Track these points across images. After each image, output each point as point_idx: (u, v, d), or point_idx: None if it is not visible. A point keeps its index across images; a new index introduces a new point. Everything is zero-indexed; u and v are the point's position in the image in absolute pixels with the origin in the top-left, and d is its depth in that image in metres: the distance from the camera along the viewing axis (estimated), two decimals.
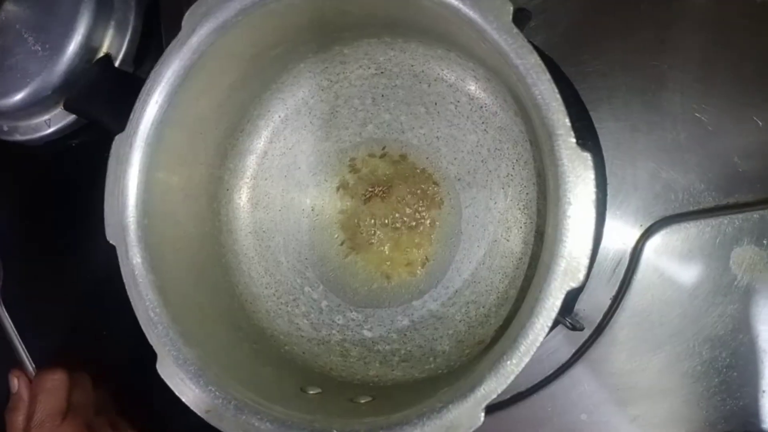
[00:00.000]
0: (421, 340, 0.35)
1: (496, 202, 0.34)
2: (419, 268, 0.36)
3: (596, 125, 0.36)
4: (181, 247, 0.33)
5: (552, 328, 0.24)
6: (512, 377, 0.24)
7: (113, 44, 0.43)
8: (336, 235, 0.37)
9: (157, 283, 0.30)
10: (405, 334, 0.35)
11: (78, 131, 0.45)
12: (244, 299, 0.37)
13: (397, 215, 0.36)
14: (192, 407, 0.28)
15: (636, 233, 0.35)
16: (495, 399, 0.24)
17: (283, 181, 0.38)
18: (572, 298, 0.35)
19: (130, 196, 0.30)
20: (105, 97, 0.41)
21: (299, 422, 0.27)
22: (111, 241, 0.31)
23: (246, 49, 0.32)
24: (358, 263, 0.37)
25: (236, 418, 0.27)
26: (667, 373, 0.35)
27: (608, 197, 0.36)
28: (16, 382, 0.39)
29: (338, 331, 0.36)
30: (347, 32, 0.35)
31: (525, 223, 0.34)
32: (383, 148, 0.36)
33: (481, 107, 0.34)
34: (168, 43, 0.30)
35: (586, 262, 0.23)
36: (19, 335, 0.41)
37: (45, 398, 0.38)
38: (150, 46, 0.45)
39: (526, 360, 0.24)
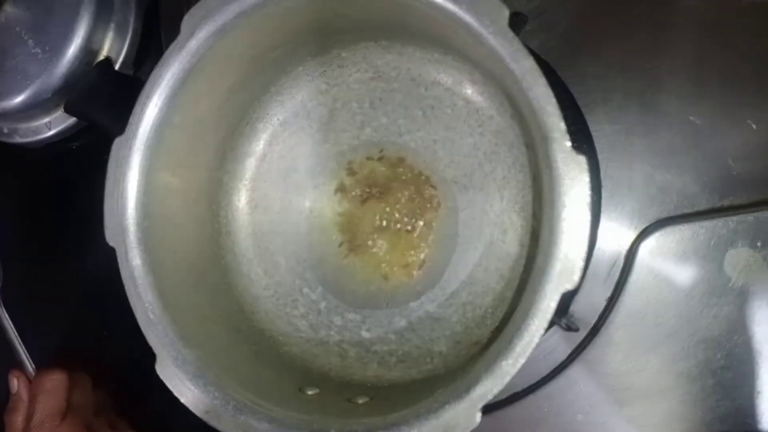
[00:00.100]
0: (418, 341, 0.35)
1: (492, 205, 0.34)
2: (416, 269, 0.36)
3: (591, 128, 0.36)
4: (181, 249, 0.33)
5: (547, 330, 0.25)
6: (508, 378, 0.24)
7: (113, 46, 0.44)
8: (334, 237, 0.37)
9: (156, 284, 0.30)
10: (402, 335, 0.35)
11: (78, 134, 0.45)
12: (244, 300, 0.37)
13: (394, 217, 0.36)
14: (191, 408, 0.28)
15: (631, 235, 0.36)
16: (491, 399, 0.24)
17: (282, 184, 0.38)
18: (567, 299, 0.36)
19: (130, 198, 0.30)
20: (105, 100, 0.41)
21: (297, 422, 0.27)
22: (110, 243, 0.31)
23: (245, 51, 0.32)
24: (357, 265, 0.37)
25: (235, 418, 0.28)
26: (663, 373, 0.35)
27: (603, 199, 0.36)
28: (15, 383, 0.39)
29: (336, 332, 0.36)
30: (345, 35, 0.35)
31: (521, 225, 0.34)
32: (381, 151, 0.37)
33: (478, 111, 0.35)
34: (168, 46, 0.30)
35: (580, 264, 0.24)
36: (19, 336, 0.41)
37: (44, 399, 0.38)
38: (150, 48, 0.45)
39: (522, 361, 0.24)
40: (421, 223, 0.36)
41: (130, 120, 0.31)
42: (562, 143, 0.24)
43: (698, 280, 0.35)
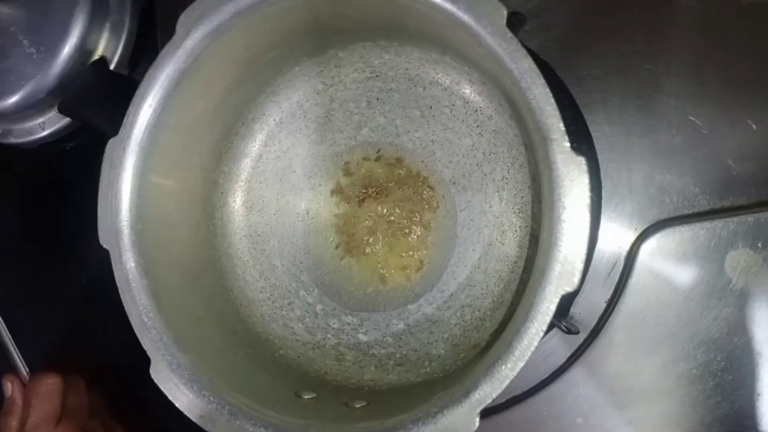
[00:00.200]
0: (416, 344, 0.35)
1: (491, 206, 0.34)
2: (414, 271, 0.36)
3: (591, 129, 0.36)
4: (175, 251, 0.33)
5: (547, 332, 0.24)
6: (507, 382, 0.24)
7: (108, 47, 0.43)
8: (331, 239, 0.37)
9: (150, 287, 0.30)
10: (400, 338, 0.35)
11: (73, 134, 0.45)
12: (239, 303, 0.37)
13: (392, 219, 0.36)
14: (186, 412, 0.28)
15: (631, 236, 0.35)
16: (490, 403, 0.24)
17: (278, 185, 0.38)
18: (567, 301, 0.35)
19: (124, 200, 0.30)
20: (99, 100, 0.41)
21: (294, 427, 0.27)
22: (104, 246, 0.30)
23: (241, 52, 0.32)
24: (354, 267, 0.36)
25: (230, 423, 0.27)
26: (663, 375, 0.35)
27: (603, 201, 0.36)
28: (9, 387, 0.39)
29: (333, 335, 0.36)
30: (342, 35, 0.35)
31: (520, 226, 0.34)
32: (378, 152, 0.36)
33: (476, 111, 0.35)
34: (163, 46, 0.30)
35: (580, 266, 0.23)
36: (13, 339, 0.41)
37: (39, 402, 0.38)
38: (145, 49, 0.45)
39: (521, 364, 0.24)
40: (419, 224, 0.36)
41: (125, 121, 0.30)
42: (561, 144, 0.24)
43: (698, 282, 0.35)
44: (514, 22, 0.25)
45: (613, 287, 0.36)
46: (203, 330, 0.32)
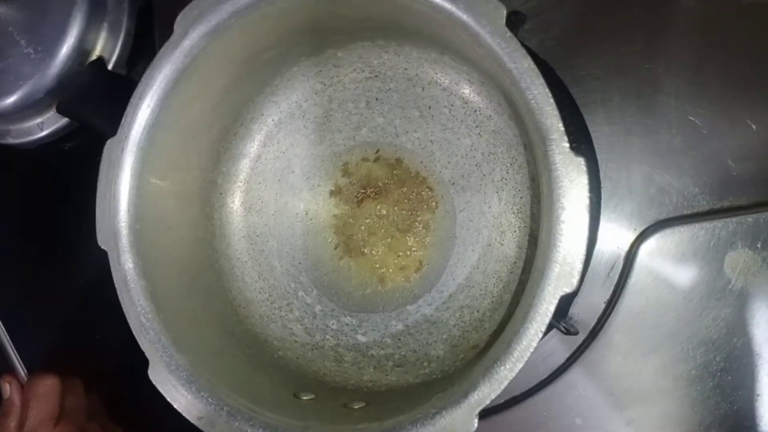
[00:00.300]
0: (415, 345, 0.35)
1: (490, 206, 0.34)
2: (413, 272, 0.35)
3: (590, 129, 0.36)
4: (174, 252, 0.33)
5: (546, 333, 0.24)
6: (506, 383, 0.24)
7: (106, 46, 0.43)
8: (330, 239, 0.37)
9: (148, 288, 0.30)
10: (399, 339, 0.35)
11: (71, 134, 0.45)
12: (237, 304, 0.36)
13: (391, 219, 0.36)
14: (184, 414, 0.28)
15: (630, 237, 0.35)
16: (489, 404, 0.24)
17: (277, 185, 0.38)
18: (566, 302, 0.35)
19: (122, 200, 0.30)
20: (98, 100, 0.41)
21: (292, 428, 0.27)
22: (102, 246, 0.30)
23: (239, 52, 0.32)
24: (352, 267, 0.36)
25: (229, 424, 0.27)
26: (662, 376, 0.35)
27: (602, 201, 0.36)
28: (7, 388, 0.39)
29: (332, 336, 0.36)
30: (341, 35, 0.35)
31: (519, 227, 0.33)
32: (377, 152, 0.36)
33: (475, 111, 0.34)
34: (161, 46, 0.30)
35: (579, 267, 0.23)
36: (11, 340, 0.41)
37: (37, 404, 0.37)
38: (143, 48, 0.45)
39: (520, 365, 0.24)
40: (418, 224, 0.36)
41: (123, 121, 0.30)
42: (560, 144, 0.24)
43: (698, 282, 0.34)
44: (514, 22, 0.25)
45: (612, 288, 0.36)
46: (202, 331, 0.32)
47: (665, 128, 0.35)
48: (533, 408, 0.37)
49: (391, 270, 0.36)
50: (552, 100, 0.24)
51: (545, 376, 0.36)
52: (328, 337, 0.36)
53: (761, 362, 0.34)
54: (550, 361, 0.36)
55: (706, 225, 0.34)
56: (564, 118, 0.24)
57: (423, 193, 0.36)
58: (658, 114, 0.35)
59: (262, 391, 0.31)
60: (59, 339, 0.46)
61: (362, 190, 0.36)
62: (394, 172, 0.36)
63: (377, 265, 0.36)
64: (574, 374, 0.36)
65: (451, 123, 0.35)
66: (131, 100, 0.30)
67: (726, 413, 0.34)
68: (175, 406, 0.28)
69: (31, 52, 0.41)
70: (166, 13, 0.45)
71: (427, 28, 0.30)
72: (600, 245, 0.36)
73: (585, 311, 0.36)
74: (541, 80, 0.24)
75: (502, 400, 0.37)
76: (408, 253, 0.36)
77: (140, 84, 0.30)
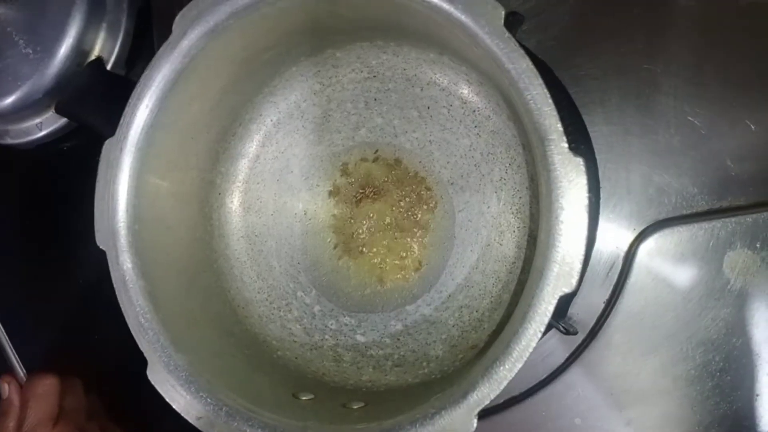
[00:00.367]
0: (414, 345, 0.35)
1: (489, 206, 0.34)
2: (412, 272, 0.35)
3: (589, 129, 0.36)
4: (172, 252, 0.33)
5: (545, 333, 0.24)
6: (505, 383, 0.24)
7: (105, 47, 0.43)
8: (329, 240, 0.37)
9: (147, 288, 0.30)
10: (398, 339, 0.35)
11: (70, 134, 0.45)
12: (236, 304, 0.36)
13: (390, 220, 0.36)
14: (183, 414, 0.28)
15: (629, 237, 0.35)
16: (488, 404, 0.24)
17: (276, 185, 0.38)
18: (565, 302, 0.35)
19: (121, 201, 0.30)
20: (96, 100, 0.41)
21: (291, 428, 0.27)
22: (101, 247, 0.30)
23: (237, 52, 0.32)
24: (351, 268, 0.36)
25: (228, 424, 0.27)
26: (661, 376, 0.35)
27: (601, 201, 0.36)
28: (6, 388, 0.39)
29: (331, 336, 0.36)
30: (340, 36, 0.35)
31: (518, 227, 0.33)
32: (376, 152, 0.36)
33: (474, 111, 0.34)
34: (160, 46, 0.30)
35: (578, 267, 0.23)
36: (10, 340, 0.41)
37: (36, 404, 0.37)
38: (142, 49, 0.45)
39: (519, 365, 0.24)
40: (417, 225, 0.36)
41: (121, 121, 0.30)
42: (559, 144, 0.24)
43: (697, 282, 0.34)
44: (512, 22, 0.25)
45: (611, 288, 0.35)
46: (200, 331, 0.32)
47: (664, 128, 0.35)
48: (532, 408, 0.37)
49: (390, 270, 0.36)
50: (550, 101, 0.24)
51: (544, 376, 0.36)
52: (327, 337, 0.36)
53: (760, 362, 0.34)
54: (550, 361, 0.36)
55: (705, 225, 0.34)
56: (563, 119, 0.24)
57: (422, 193, 0.36)
58: (657, 114, 0.35)
59: (261, 391, 0.31)
60: (58, 339, 0.46)
61: (361, 190, 0.36)
62: (393, 172, 0.36)
63: (376, 265, 0.36)
64: (574, 374, 0.36)
65: (449, 123, 0.35)
66: (130, 100, 0.30)
67: (725, 413, 0.34)
68: (173, 407, 0.28)
69: (30, 52, 0.41)
70: (165, 13, 0.45)
71: (426, 28, 0.30)
72: (599, 245, 0.36)
73: (584, 311, 0.36)
74: (540, 80, 0.24)
75: (502, 400, 0.37)
76: (407, 253, 0.36)
77: (139, 84, 0.30)
